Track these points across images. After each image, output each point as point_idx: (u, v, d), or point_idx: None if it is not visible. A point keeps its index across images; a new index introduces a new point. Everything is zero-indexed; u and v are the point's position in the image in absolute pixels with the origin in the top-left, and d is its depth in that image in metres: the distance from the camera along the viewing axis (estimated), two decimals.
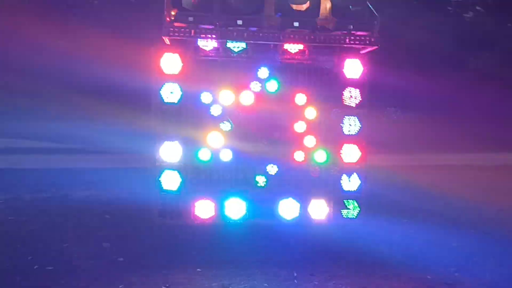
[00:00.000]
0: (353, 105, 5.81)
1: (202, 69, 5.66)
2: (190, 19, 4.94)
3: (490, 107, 16.94)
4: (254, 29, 5.07)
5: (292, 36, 5.15)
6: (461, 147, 13.61)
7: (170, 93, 5.64)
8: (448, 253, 6.13)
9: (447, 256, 6.01)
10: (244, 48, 5.61)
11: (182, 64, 5.59)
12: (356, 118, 5.81)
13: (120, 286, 5.00)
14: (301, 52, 5.66)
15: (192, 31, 4.98)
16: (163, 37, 5.30)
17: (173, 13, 5.10)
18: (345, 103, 5.80)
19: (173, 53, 5.59)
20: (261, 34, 5.12)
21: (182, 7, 5.08)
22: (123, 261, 5.77)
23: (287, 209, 5.80)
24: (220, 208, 5.74)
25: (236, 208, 5.75)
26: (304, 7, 5.13)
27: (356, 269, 5.48)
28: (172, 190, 5.70)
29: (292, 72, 5.74)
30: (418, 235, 6.62)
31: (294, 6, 5.14)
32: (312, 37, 5.19)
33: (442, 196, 8.91)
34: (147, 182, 10.78)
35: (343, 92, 5.78)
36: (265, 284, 5.12)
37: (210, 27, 5.02)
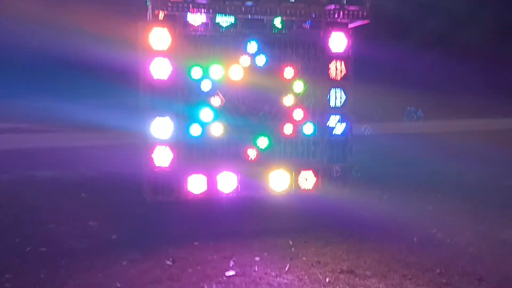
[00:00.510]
0: (338, 78, 5.98)
1: (191, 44, 5.64)
2: None
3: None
4: (250, 3, 5.10)
5: (288, 10, 5.21)
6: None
7: (160, 68, 5.59)
8: (427, 216, 6.52)
9: (427, 218, 6.40)
10: (232, 23, 5.63)
11: (171, 39, 5.55)
12: (341, 90, 6.00)
13: (124, 263, 5.00)
14: (289, 26, 5.75)
15: (190, 5, 4.94)
16: (157, 11, 5.22)
17: None
18: (331, 76, 5.96)
19: (162, 27, 5.54)
20: (258, 8, 5.16)
21: None
22: (116, 239, 5.75)
23: (278, 181, 5.95)
24: (212, 182, 5.80)
25: (228, 182, 5.84)
26: None
27: (348, 235, 5.73)
28: (164, 166, 5.70)
29: (280, 46, 5.82)
30: (399, 200, 7.01)
31: None
32: (307, 11, 5.28)
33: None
34: (117, 159, 10.74)
35: (329, 65, 5.94)
36: (265, 253, 5.25)
37: (205, 1, 5.00)
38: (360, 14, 5.39)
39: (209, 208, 6.13)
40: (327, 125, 6.01)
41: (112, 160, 10.92)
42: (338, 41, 5.90)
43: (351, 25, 5.74)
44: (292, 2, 5.23)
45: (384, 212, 6.50)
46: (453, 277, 4.67)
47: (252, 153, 5.89)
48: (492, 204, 6.96)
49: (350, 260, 5.06)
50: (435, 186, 8.03)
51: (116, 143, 13.31)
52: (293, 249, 5.42)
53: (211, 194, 5.82)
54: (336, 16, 5.45)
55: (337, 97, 6.00)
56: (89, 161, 10.96)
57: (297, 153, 5.99)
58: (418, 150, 10.90)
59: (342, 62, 5.96)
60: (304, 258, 5.14)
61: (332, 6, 5.38)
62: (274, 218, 6.20)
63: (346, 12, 5.40)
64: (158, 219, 6.33)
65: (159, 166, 5.69)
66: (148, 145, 5.67)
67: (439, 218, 6.44)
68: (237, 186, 5.87)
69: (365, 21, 5.50)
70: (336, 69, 5.95)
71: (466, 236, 5.80)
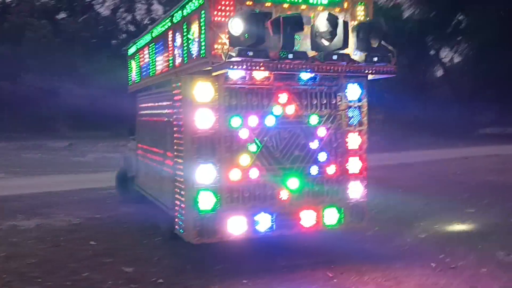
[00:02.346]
0: (355, 123, 6.71)
1: (230, 95, 6.12)
2: (250, 53, 5.42)
3: None
4: (297, 61, 5.71)
5: (331, 67, 5.88)
6: None
7: (203, 119, 6.01)
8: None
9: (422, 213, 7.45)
10: (265, 76, 6.20)
11: (214, 92, 6.01)
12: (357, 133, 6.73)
13: None
14: (312, 79, 6.41)
15: (249, 64, 5.46)
16: (219, 70, 5.68)
17: (226, 46, 5.55)
18: (347, 122, 6.67)
19: (206, 81, 6.00)
20: (307, 66, 5.78)
21: (233, 41, 5.55)
22: (163, 283, 6.03)
23: (306, 218, 6.50)
24: (250, 223, 6.24)
25: (264, 222, 6.30)
26: (331, 44, 5.90)
27: (374, 264, 6.43)
28: (208, 210, 6.07)
29: (306, 96, 6.46)
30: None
31: (325, 43, 5.90)
32: (345, 68, 5.98)
33: None
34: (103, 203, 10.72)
35: (346, 112, 6.66)
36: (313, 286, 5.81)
37: (265, 60, 5.54)
38: (388, 70, 6.17)
39: (250, 247, 6.58)
40: (346, 165, 6.68)
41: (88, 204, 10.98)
42: (354, 91, 6.65)
43: (371, 77, 6.51)
44: (335, 60, 5.89)
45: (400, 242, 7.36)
46: None
47: (284, 194, 6.41)
48: None
49: (390, 285, 5.74)
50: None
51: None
52: (335, 280, 6.00)
53: (250, 233, 6.24)
54: (369, 71, 6.19)
55: (354, 140, 6.70)
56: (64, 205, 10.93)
57: (323, 192, 6.59)
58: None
59: (357, 109, 6.70)
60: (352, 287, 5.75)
61: (364, 64, 6.11)
62: (307, 252, 6.79)
63: (376, 68, 6.15)
64: (191, 260, 6.68)
65: (204, 210, 6.04)
66: (193, 190, 6.01)
67: (431, 213, 7.54)
68: (272, 225, 6.34)
69: (393, 75, 6.28)
70: (353, 115, 6.68)
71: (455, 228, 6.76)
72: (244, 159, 6.25)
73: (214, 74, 5.85)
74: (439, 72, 45.20)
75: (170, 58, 7.26)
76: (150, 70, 8.46)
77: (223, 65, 5.52)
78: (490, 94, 40.90)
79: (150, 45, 8.41)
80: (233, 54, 5.46)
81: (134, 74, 9.89)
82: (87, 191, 12.95)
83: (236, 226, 6.20)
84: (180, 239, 7.16)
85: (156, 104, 7.99)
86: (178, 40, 6.87)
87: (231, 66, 5.48)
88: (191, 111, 5.99)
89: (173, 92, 6.52)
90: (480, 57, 39.53)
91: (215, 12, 5.75)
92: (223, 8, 5.77)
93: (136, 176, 9.49)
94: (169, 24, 7.22)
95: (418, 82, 39.79)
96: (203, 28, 5.89)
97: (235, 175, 6.21)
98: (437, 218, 9.04)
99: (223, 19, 5.76)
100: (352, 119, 6.71)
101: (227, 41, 5.64)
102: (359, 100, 6.72)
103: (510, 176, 14.41)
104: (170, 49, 7.26)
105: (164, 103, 7.43)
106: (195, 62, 6.18)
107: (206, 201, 6.07)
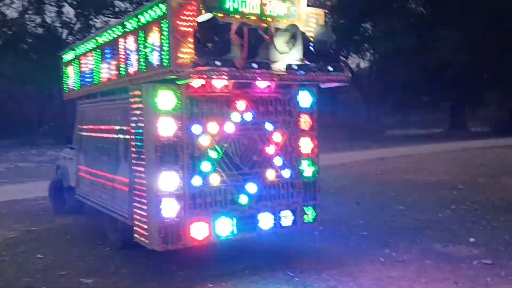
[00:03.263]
0: (307, 128, 7.05)
1: (192, 103, 6.24)
2: (218, 63, 5.56)
3: None
4: (260, 70, 5.94)
5: (291, 76, 6.16)
6: None
7: (165, 126, 6.08)
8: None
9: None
10: (225, 84, 6.37)
11: (176, 100, 6.10)
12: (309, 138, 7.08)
13: None
14: (268, 86, 6.67)
15: (216, 73, 5.60)
16: (186, 79, 5.77)
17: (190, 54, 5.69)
18: (300, 127, 7.00)
19: (168, 90, 6.07)
20: (270, 75, 6.02)
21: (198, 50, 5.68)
22: None
23: (264, 221, 6.74)
24: (211, 227, 6.37)
25: (225, 226, 6.46)
26: (290, 53, 6.19)
27: (328, 261, 6.80)
28: (171, 217, 6.13)
29: (263, 104, 6.71)
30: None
31: (282, 53, 6.19)
32: (304, 77, 6.29)
33: None
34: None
35: (299, 118, 6.98)
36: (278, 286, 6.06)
37: (231, 69, 5.70)
38: (342, 79, 6.55)
39: (207, 251, 6.71)
40: (299, 169, 7.01)
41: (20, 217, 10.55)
42: (305, 98, 6.99)
43: (323, 85, 6.87)
44: (295, 69, 6.17)
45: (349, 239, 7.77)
46: None
47: (244, 198, 6.61)
48: None
49: (348, 281, 6.12)
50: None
51: None
52: (296, 279, 6.29)
53: (212, 238, 6.37)
54: (325, 80, 6.54)
55: (306, 144, 7.04)
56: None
57: (279, 195, 6.86)
58: None
59: (309, 115, 7.05)
60: (315, 284, 6.06)
61: (322, 73, 6.44)
62: (264, 254, 7.06)
63: (329, 78, 6.51)
64: (159, 266, 6.70)
65: (167, 217, 6.10)
66: (156, 197, 6.05)
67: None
68: (233, 229, 6.51)
69: (347, 84, 6.67)
70: (305, 121, 7.02)
71: (431, 219, 7.30)
72: (206, 166, 6.38)
73: (179, 83, 5.94)
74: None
75: (122, 66, 7.21)
76: (94, 78, 8.32)
77: (190, 74, 5.62)
78: (394, 99, 43.51)
79: (94, 52, 8.28)
80: (200, 63, 5.58)
81: (72, 81, 9.64)
82: (12, 203, 12.39)
83: (199, 232, 6.29)
84: (132, 248, 7.18)
85: (105, 111, 7.89)
86: (132, 48, 6.87)
87: (199, 76, 5.60)
88: (154, 119, 6.03)
89: (131, 100, 6.49)
90: (385, 64, 42.03)
91: (179, 22, 5.84)
92: (186, 17, 5.88)
93: (78, 185, 9.26)
94: (121, 31, 7.18)
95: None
96: (165, 36, 5.96)
97: (197, 181, 6.32)
98: (372, 216, 9.64)
99: (187, 28, 5.87)
100: (304, 124, 7.05)
101: (192, 51, 5.76)
102: (311, 106, 7.07)
103: (426, 174, 15.50)
104: (121, 56, 7.22)
105: (116, 111, 7.37)
106: (156, 71, 6.23)
107: (169, 208, 6.12)
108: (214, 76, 5.63)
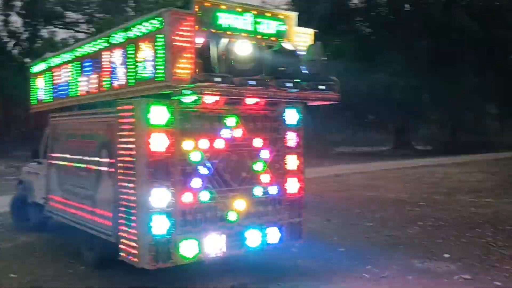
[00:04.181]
0: (293, 145, 7.12)
1: (184, 119, 6.18)
2: (217, 79, 5.56)
3: None
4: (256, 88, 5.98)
5: (285, 93, 6.23)
6: None
7: (158, 142, 5.99)
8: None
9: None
10: (216, 100, 6.35)
11: (168, 115, 6.03)
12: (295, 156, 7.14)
13: None
14: (256, 103, 6.70)
15: (215, 89, 5.60)
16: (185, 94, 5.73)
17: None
18: (286, 144, 7.06)
19: (161, 105, 6.00)
20: (266, 92, 6.05)
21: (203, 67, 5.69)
22: None
23: (252, 237, 6.72)
24: (202, 245, 6.29)
25: (216, 243, 6.39)
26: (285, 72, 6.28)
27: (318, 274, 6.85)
28: (162, 234, 6.01)
29: (252, 120, 6.74)
30: None
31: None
32: (297, 95, 6.37)
33: None
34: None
35: (285, 135, 7.05)
36: None
37: (230, 86, 5.71)
38: (332, 97, 6.67)
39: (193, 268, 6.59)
40: (285, 186, 7.05)
41: None
42: (292, 116, 7.07)
43: (311, 103, 6.97)
44: (289, 87, 6.24)
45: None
46: None
47: (232, 215, 6.57)
48: None
49: None
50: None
51: None
52: None
53: (202, 255, 6.29)
54: (317, 99, 6.64)
55: (292, 161, 7.10)
56: None
57: (266, 212, 6.87)
58: None
59: (295, 132, 7.12)
60: None
61: (313, 91, 6.53)
62: (250, 271, 7.05)
63: (321, 96, 6.62)
64: (142, 285, 6.54)
65: (158, 234, 5.98)
66: (147, 214, 5.93)
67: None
68: (222, 246, 6.45)
69: (336, 102, 6.78)
70: (291, 138, 7.09)
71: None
72: (196, 182, 6.32)
73: (175, 98, 5.90)
74: None
75: (106, 79, 7.06)
76: (71, 91, 8.08)
77: (191, 89, 5.60)
78: (344, 116, 44.44)
79: (71, 64, 8.05)
80: (201, 79, 5.57)
81: (42, 93, 9.32)
82: None
83: (189, 250, 6.21)
84: (108, 267, 6.99)
85: (84, 125, 7.67)
86: (119, 61, 6.74)
87: (200, 91, 5.58)
88: (146, 134, 5.93)
89: (120, 114, 6.35)
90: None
91: (175, 37, 5.80)
92: (183, 33, 5.84)
93: (48, 201, 8.90)
94: (105, 44, 7.05)
95: None
96: (160, 51, 5.90)
97: (188, 198, 6.24)
98: (345, 232, 9.79)
99: (183, 44, 5.83)
100: (290, 141, 7.11)
101: (192, 66, 5.75)
102: (297, 124, 7.15)
103: (384, 191, 15.88)
104: (105, 70, 7.07)
105: (98, 125, 7.19)
106: (148, 85, 6.13)
107: (160, 225, 6.01)
108: (216, 93, 5.63)
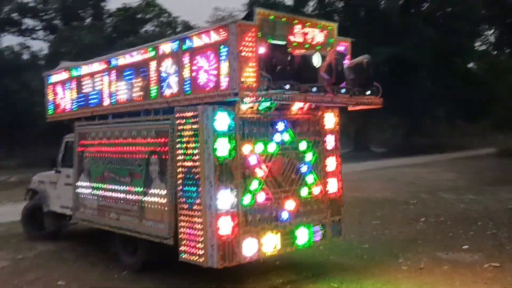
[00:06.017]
0: (332, 147, 7.57)
1: (242, 124, 6.52)
2: (287, 87, 5.94)
3: None
4: (318, 94, 6.40)
5: (341, 99, 6.68)
6: None
7: (222, 147, 6.31)
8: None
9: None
10: (268, 106, 6.70)
11: (230, 121, 6.36)
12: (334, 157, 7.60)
13: None
14: (301, 108, 7.12)
15: (286, 96, 6.00)
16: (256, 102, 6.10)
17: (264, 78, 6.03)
18: (326, 147, 7.50)
19: (224, 111, 6.32)
20: (326, 98, 6.48)
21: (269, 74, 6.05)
22: None
23: (301, 235, 7.11)
24: (261, 244, 6.64)
25: (271, 242, 6.75)
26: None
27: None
28: (228, 234, 6.32)
29: (299, 124, 7.14)
30: None
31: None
32: (350, 100, 6.84)
33: None
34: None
35: (325, 138, 7.48)
36: None
37: (296, 92, 6.11)
38: (375, 101, 7.16)
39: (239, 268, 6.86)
40: (327, 186, 7.48)
41: None
42: (330, 120, 7.52)
43: (352, 108, 7.42)
44: (344, 93, 6.69)
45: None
46: None
47: (285, 214, 6.94)
48: None
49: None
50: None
51: None
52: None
53: (261, 254, 6.63)
54: (364, 103, 7.10)
55: (331, 163, 7.55)
56: None
57: (312, 211, 7.27)
58: None
59: (334, 135, 7.58)
60: None
61: (363, 95, 7.00)
62: (294, 268, 7.51)
63: (368, 101, 7.09)
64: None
65: (225, 234, 6.28)
66: (214, 215, 6.22)
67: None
68: (276, 245, 6.81)
69: (380, 107, 7.25)
70: (330, 141, 7.53)
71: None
72: (254, 184, 6.65)
73: (242, 104, 6.24)
74: None
75: (153, 88, 7.28)
76: (106, 99, 8.21)
77: (264, 96, 5.96)
78: None
79: (106, 73, 8.19)
80: (273, 86, 5.94)
81: (63, 102, 9.36)
82: None
83: (250, 248, 6.54)
84: (151, 269, 7.24)
85: (126, 132, 7.81)
86: (170, 70, 7.00)
87: (276, 98, 5.96)
88: (212, 140, 6.24)
89: (178, 121, 6.61)
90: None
91: (242, 47, 6.13)
92: (247, 43, 6.18)
93: (77, 209, 8.92)
94: (152, 54, 7.28)
95: None
96: (224, 61, 6.22)
97: (247, 199, 6.57)
98: (358, 230, 10.28)
99: (248, 53, 6.17)
100: (330, 144, 7.55)
101: (256, 74, 6.12)
102: (335, 127, 7.60)
103: (369, 192, 16.52)
104: (152, 78, 7.28)
105: (146, 132, 7.39)
106: (209, 93, 6.42)
107: (226, 226, 6.32)
108: (286, 99, 6.04)
